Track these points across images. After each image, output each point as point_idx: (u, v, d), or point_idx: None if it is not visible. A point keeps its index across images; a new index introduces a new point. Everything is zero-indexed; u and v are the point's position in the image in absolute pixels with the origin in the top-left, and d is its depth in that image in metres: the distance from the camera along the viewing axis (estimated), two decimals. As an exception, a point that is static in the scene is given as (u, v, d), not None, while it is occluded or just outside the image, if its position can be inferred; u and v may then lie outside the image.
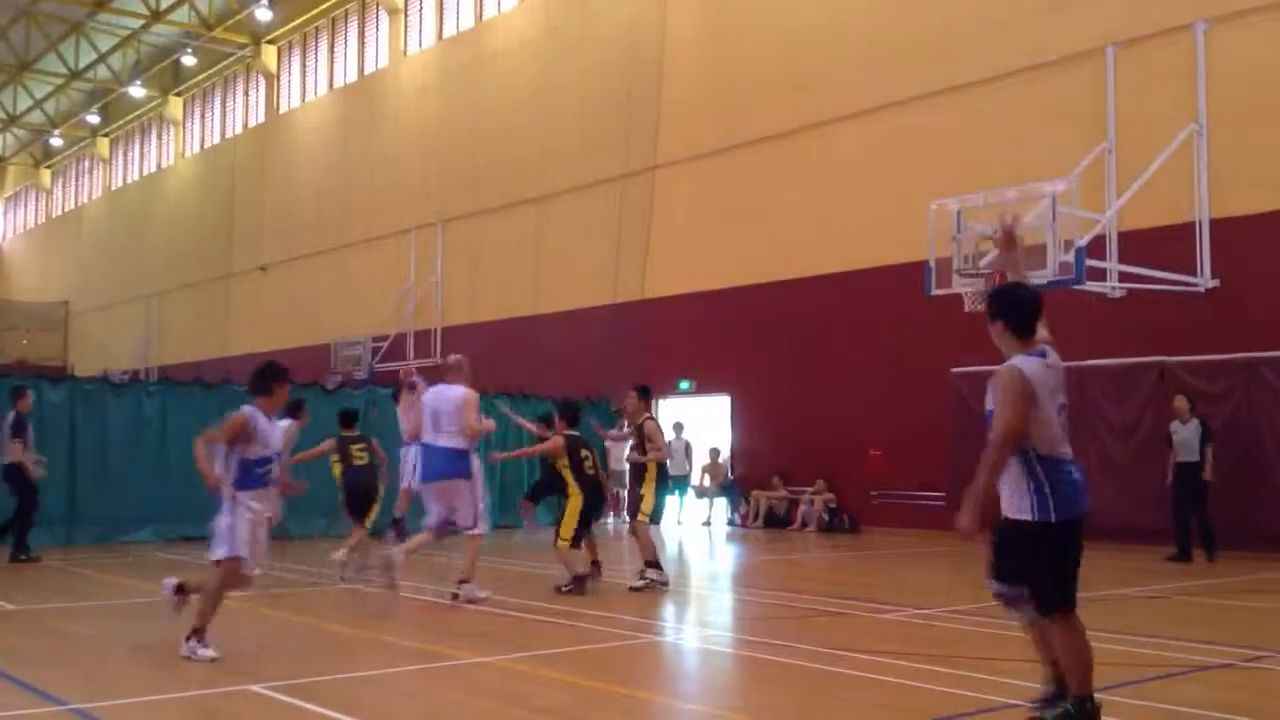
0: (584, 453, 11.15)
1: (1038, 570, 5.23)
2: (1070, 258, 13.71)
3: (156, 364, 38.47)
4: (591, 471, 11.16)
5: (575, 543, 10.97)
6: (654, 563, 11.26)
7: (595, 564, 11.44)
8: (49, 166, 52.57)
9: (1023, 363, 5.33)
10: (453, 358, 10.78)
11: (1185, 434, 13.90)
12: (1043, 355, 5.43)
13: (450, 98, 28.81)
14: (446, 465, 10.25)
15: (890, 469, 18.33)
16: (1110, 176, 15.80)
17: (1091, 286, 14.70)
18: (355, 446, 12.39)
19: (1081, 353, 16.15)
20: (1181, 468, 13.89)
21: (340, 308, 31.46)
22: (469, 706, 6.25)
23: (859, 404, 18.67)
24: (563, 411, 11.54)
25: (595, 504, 11.23)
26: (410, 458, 15.67)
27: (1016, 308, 5.56)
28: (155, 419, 16.83)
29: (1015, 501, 5.24)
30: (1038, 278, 13.89)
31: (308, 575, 12.44)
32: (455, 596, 10.12)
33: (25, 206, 55.29)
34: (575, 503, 10.97)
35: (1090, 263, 14.14)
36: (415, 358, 28.25)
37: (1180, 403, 14.04)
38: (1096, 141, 15.92)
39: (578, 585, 10.74)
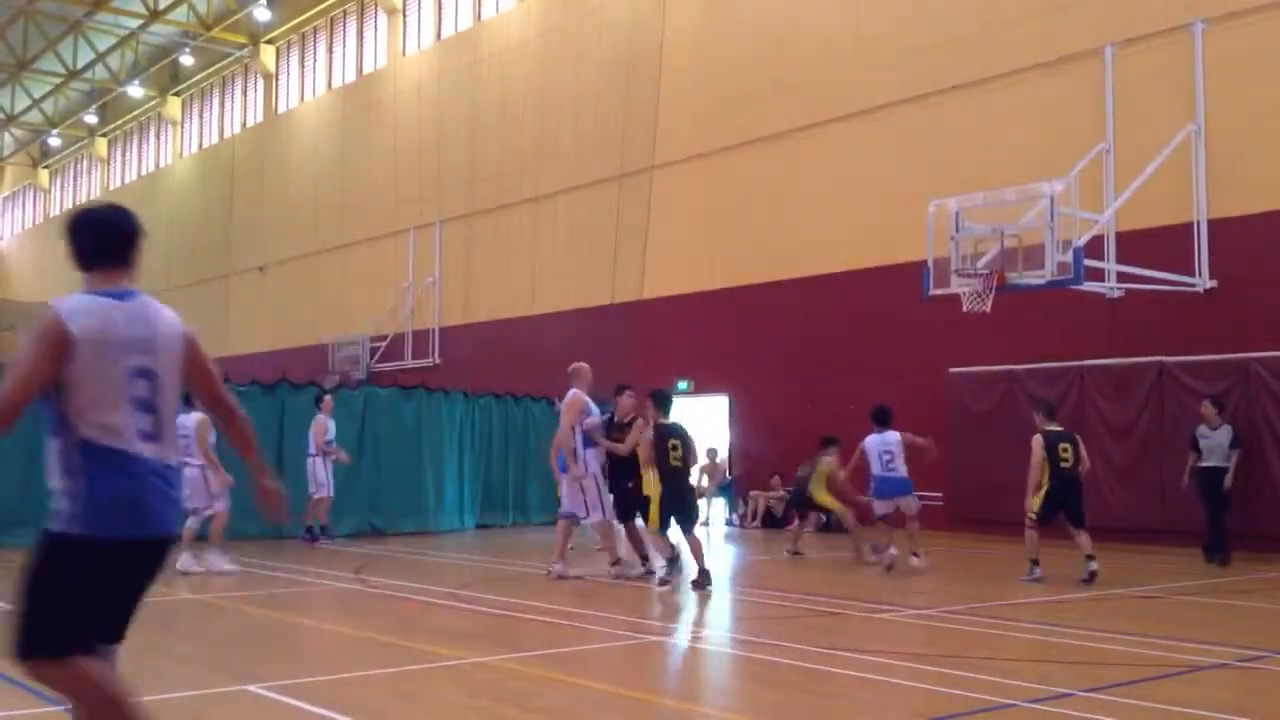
0: (671, 442, 11.35)
1: (32, 594, 3.62)
2: (1069, 258, 13.71)
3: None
4: (678, 463, 11.35)
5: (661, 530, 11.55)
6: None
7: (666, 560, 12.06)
8: (47, 166, 52.54)
9: (73, 302, 3.68)
10: (572, 366, 11.99)
11: (1217, 439, 13.65)
12: (122, 296, 3.77)
13: (449, 98, 28.81)
14: (560, 462, 11.97)
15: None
16: (1109, 176, 15.81)
17: (1090, 287, 14.72)
18: (1061, 445, 11.76)
19: (1080, 352, 16.18)
20: (1207, 472, 13.64)
21: (338, 307, 31.46)
22: (468, 707, 6.24)
23: (857, 404, 18.64)
24: (654, 399, 11.78)
25: (678, 495, 11.44)
26: (317, 468, 15.98)
27: (79, 230, 3.83)
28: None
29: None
30: (1036, 278, 13.94)
31: (307, 576, 12.43)
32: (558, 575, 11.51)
33: (23, 206, 55.26)
34: (659, 491, 11.55)
35: (1089, 263, 14.15)
36: (413, 358, 28.28)
37: (1208, 409, 13.74)
38: (1095, 141, 15.93)
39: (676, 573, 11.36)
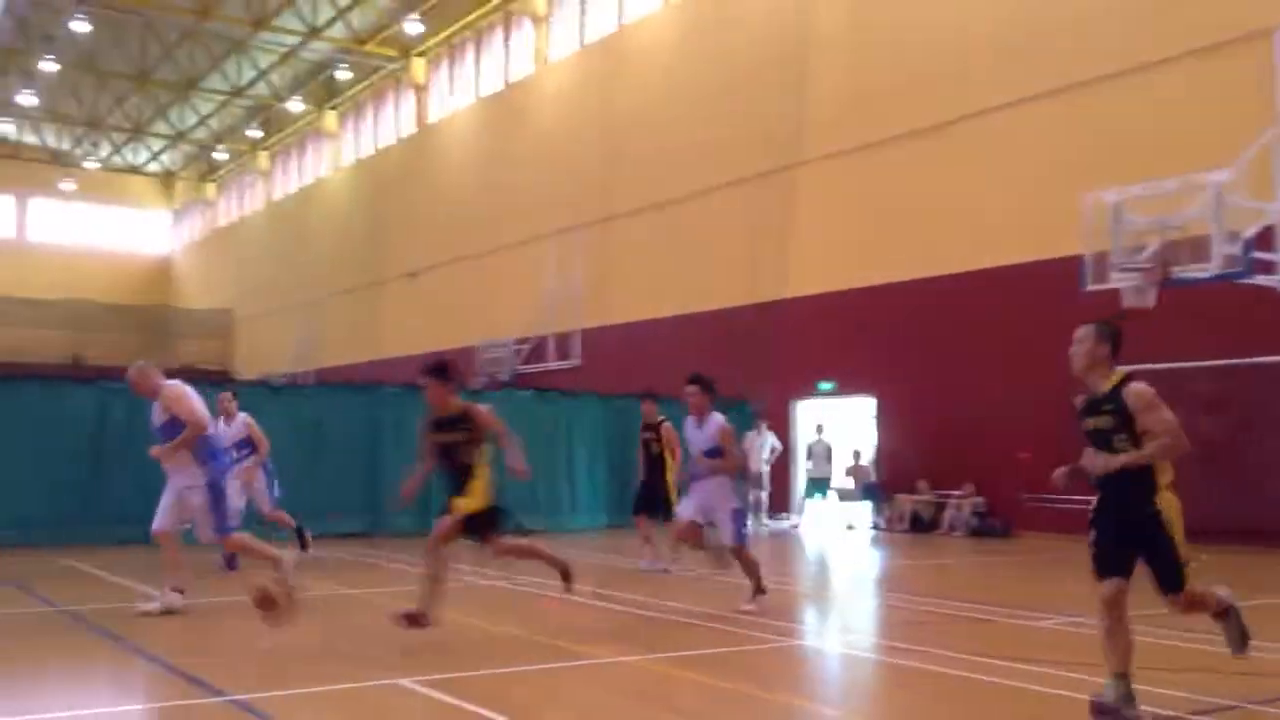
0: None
1: None
2: (1237, 250, 13.08)
3: (315, 368, 39.92)
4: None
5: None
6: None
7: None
8: (214, 180, 55.20)
9: None
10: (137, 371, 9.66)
11: None
12: None
13: (592, 103, 29.13)
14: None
15: (1042, 471, 17.73)
16: (1279, 163, 14.95)
17: (1260, 281, 13.99)
18: None
19: (1247, 350, 15.34)
20: None
21: (485, 311, 32.14)
22: (610, 706, 6.28)
23: (1008, 404, 18.12)
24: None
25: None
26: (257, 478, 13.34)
27: None
28: (310, 421, 17.48)
29: None
30: (1202, 271, 13.31)
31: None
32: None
33: (193, 219, 58.16)
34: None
35: (1258, 255, 13.47)
36: (555, 359, 28.69)
37: None
38: (1263, 126, 15.09)
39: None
